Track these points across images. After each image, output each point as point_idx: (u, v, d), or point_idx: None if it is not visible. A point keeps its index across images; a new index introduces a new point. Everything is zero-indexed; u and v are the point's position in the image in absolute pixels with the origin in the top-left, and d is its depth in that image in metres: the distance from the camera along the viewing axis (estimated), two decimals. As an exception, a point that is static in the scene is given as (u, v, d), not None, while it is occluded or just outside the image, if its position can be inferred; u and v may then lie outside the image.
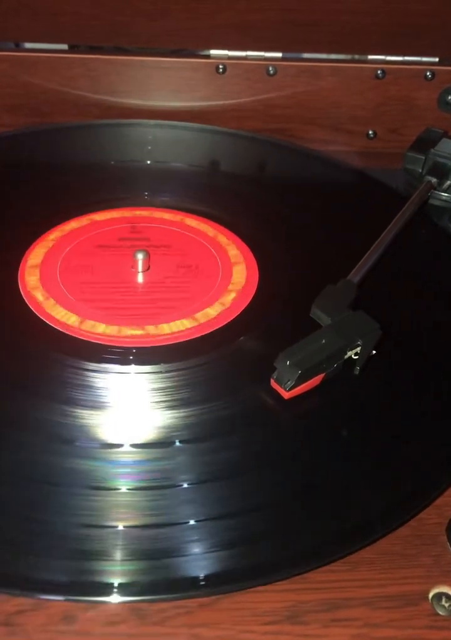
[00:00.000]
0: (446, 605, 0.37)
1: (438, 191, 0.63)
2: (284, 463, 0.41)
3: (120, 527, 0.38)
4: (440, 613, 0.36)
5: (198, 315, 0.50)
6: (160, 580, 0.36)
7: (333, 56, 0.75)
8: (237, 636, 0.35)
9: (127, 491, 0.39)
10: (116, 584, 0.35)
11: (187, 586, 0.35)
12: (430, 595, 0.37)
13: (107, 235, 0.57)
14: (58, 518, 0.38)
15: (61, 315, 0.49)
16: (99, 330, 0.48)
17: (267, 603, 0.36)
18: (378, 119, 0.75)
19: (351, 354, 0.45)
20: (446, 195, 0.64)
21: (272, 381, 0.44)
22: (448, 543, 0.39)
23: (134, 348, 0.47)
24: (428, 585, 0.37)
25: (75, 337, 0.48)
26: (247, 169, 0.68)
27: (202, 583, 0.35)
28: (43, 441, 0.42)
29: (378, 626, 0.36)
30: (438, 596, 0.37)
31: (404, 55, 0.73)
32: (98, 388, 0.45)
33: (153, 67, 0.73)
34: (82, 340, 0.48)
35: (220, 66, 0.73)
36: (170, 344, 0.48)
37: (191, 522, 0.38)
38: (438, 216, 0.63)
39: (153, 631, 0.35)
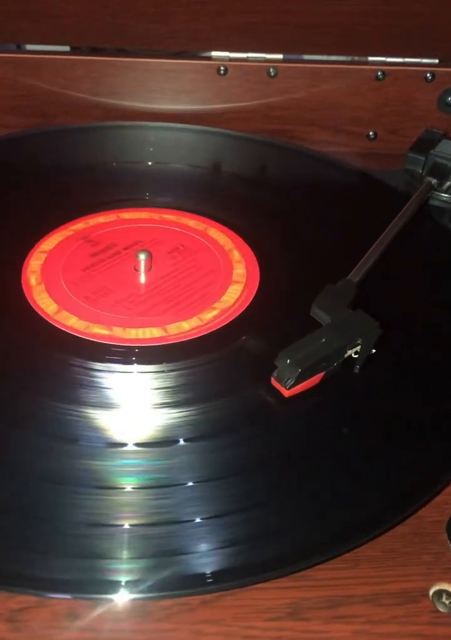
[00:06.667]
0: (447, 602, 0.37)
1: (438, 191, 0.64)
2: (284, 461, 0.42)
3: (125, 525, 0.38)
4: (441, 610, 0.36)
5: (202, 314, 0.51)
6: (165, 578, 0.36)
7: (334, 58, 0.75)
8: (239, 632, 0.35)
9: (131, 489, 0.40)
10: (122, 582, 0.35)
11: (191, 583, 0.36)
12: (431, 592, 0.37)
13: (108, 237, 0.58)
14: (63, 517, 0.38)
15: (73, 322, 0.49)
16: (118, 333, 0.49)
17: (269, 599, 0.36)
18: (378, 121, 0.75)
19: (351, 352, 0.45)
20: (446, 195, 0.64)
21: (272, 379, 0.44)
22: (449, 541, 0.39)
23: (138, 347, 0.48)
24: (429, 582, 0.38)
25: (108, 344, 0.48)
26: (248, 170, 0.68)
27: (206, 580, 0.36)
28: (49, 440, 0.42)
29: (379, 623, 0.36)
30: (439, 593, 0.37)
31: (404, 56, 0.73)
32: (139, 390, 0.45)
33: (154, 69, 0.73)
34: (112, 345, 0.48)
35: (222, 68, 0.73)
36: (172, 343, 0.48)
37: (195, 520, 0.38)
38: (438, 216, 0.63)
39: (156, 628, 0.35)
